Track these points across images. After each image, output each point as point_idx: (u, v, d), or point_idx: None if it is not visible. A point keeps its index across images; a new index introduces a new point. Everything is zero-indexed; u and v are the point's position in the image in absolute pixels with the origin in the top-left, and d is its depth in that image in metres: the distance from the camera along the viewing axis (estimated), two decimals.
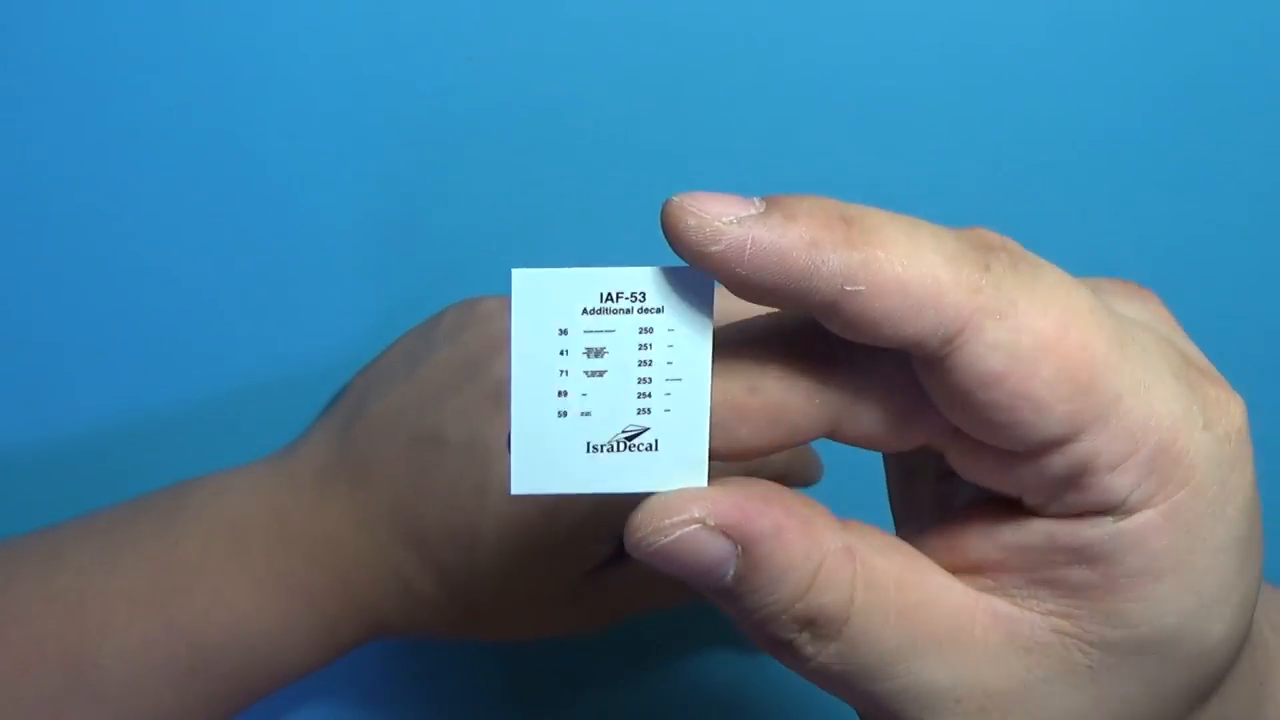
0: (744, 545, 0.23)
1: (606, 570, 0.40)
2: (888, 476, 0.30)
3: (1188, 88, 0.44)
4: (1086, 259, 0.43)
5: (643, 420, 0.23)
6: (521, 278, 0.22)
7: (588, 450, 0.23)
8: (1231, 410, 0.23)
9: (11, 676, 0.36)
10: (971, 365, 0.22)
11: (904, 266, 0.21)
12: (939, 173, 0.44)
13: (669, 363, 0.23)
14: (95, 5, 0.40)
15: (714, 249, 0.21)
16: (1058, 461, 0.22)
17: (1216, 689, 0.25)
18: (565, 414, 0.23)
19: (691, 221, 0.21)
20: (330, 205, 0.42)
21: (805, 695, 0.44)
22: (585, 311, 0.22)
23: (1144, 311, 0.25)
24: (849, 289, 0.21)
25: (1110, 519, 0.23)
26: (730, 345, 0.24)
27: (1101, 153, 0.44)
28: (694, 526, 0.22)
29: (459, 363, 0.38)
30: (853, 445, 0.25)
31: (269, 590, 0.37)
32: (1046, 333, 0.22)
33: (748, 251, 0.21)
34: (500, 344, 0.38)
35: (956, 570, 0.24)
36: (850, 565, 0.23)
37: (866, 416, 0.24)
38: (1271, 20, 0.44)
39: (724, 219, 0.21)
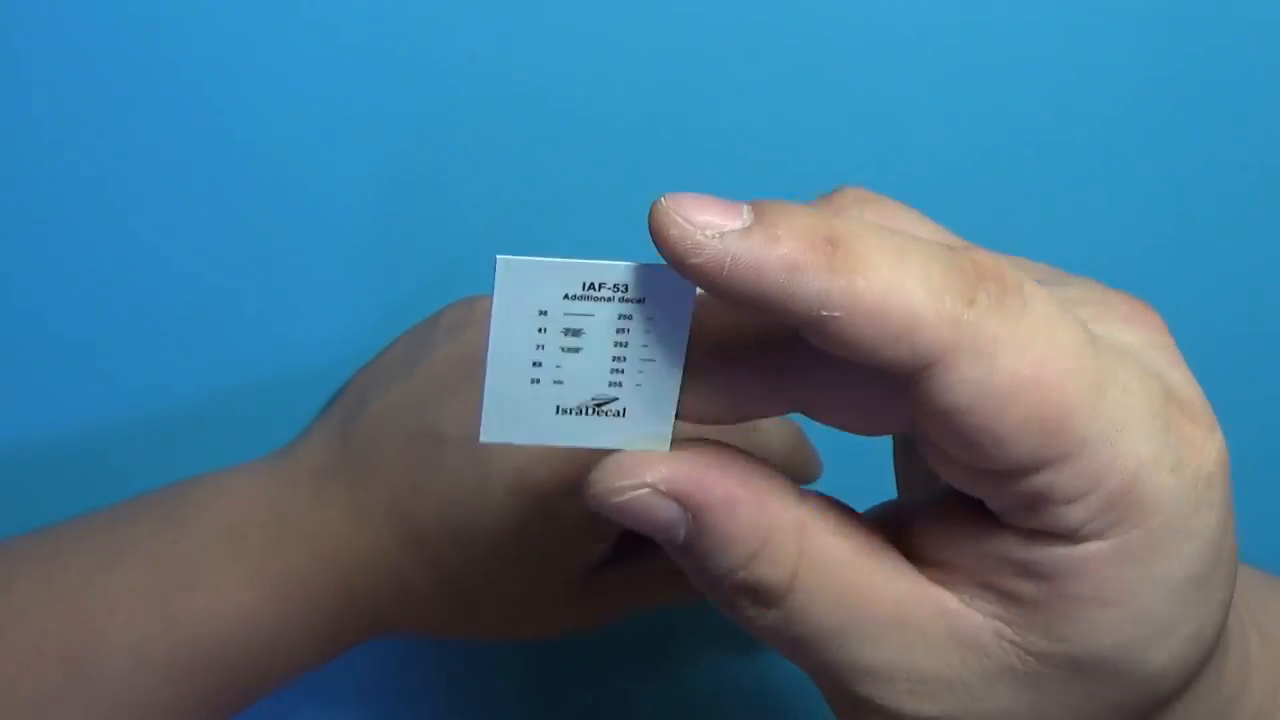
0: (693, 513, 0.23)
1: (606, 570, 0.40)
2: (894, 446, 0.30)
3: (1186, 86, 0.44)
4: (1084, 257, 0.44)
5: (613, 391, 0.24)
6: (505, 265, 0.22)
7: (557, 411, 0.24)
8: (1206, 451, 0.23)
9: (11, 676, 0.36)
10: (940, 395, 0.22)
11: (884, 296, 0.21)
12: (938, 169, 0.44)
13: (644, 345, 0.23)
14: (95, 2, 0.40)
15: (693, 260, 0.21)
16: (1016, 486, 0.23)
17: (1171, 705, 0.25)
18: (538, 381, 0.23)
19: (673, 232, 0.21)
20: (331, 205, 0.42)
21: (805, 696, 0.44)
22: (567, 297, 0.23)
23: (1140, 336, 0.24)
24: (825, 314, 0.21)
25: (1062, 543, 0.23)
26: (708, 315, 0.24)
27: (1100, 151, 0.44)
28: (645, 490, 0.23)
29: (458, 360, 0.38)
30: (826, 426, 0.25)
31: (268, 588, 0.38)
32: (1022, 374, 0.21)
33: (726, 268, 0.21)
34: None
35: (914, 558, 0.25)
36: (796, 542, 0.24)
37: (838, 401, 0.24)
38: (1270, 20, 0.44)
39: (706, 232, 0.21)
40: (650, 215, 0.21)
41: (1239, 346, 0.46)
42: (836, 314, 0.21)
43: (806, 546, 0.24)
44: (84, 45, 0.40)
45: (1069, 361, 0.22)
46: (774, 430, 0.38)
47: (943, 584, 0.24)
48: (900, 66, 0.43)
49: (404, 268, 0.43)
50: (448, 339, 0.39)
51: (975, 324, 0.21)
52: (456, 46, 0.42)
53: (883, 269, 0.21)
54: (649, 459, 0.23)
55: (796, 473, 0.40)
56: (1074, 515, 0.22)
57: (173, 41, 0.41)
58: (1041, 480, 0.22)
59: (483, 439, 0.24)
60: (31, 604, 0.37)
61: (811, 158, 0.43)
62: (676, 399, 0.24)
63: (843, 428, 0.25)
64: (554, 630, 0.41)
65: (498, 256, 0.22)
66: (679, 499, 0.23)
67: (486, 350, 0.23)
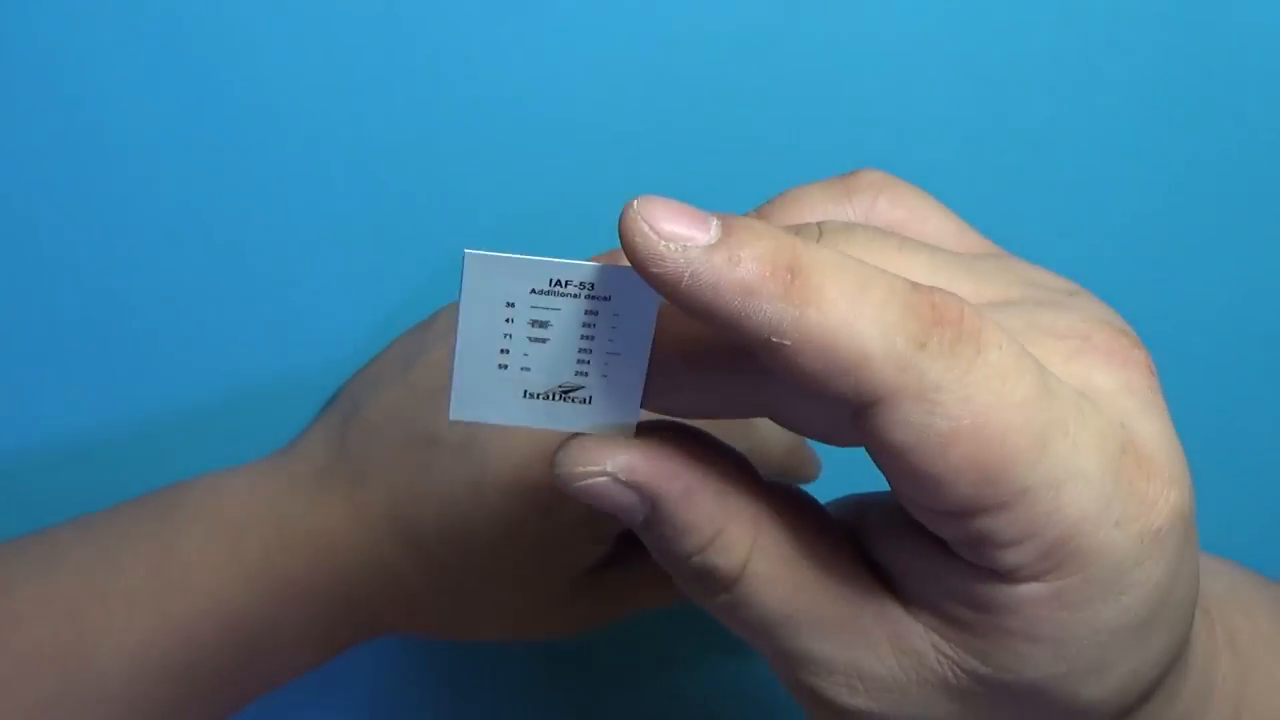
0: (652, 502, 0.24)
1: (604, 571, 0.40)
2: None
3: (1187, 86, 0.44)
4: (1083, 257, 0.43)
5: (579, 380, 0.24)
6: (473, 260, 0.23)
7: (524, 396, 0.24)
8: (1158, 506, 0.23)
9: (10, 678, 0.36)
10: (880, 433, 0.22)
11: (834, 331, 0.21)
12: (939, 169, 0.44)
13: (610, 340, 0.24)
14: (93, 3, 0.40)
15: (653, 269, 0.21)
16: (957, 525, 0.23)
17: None
18: (506, 367, 0.24)
19: (638, 239, 0.21)
20: (329, 206, 0.42)
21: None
22: (534, 291, 0.23)
23: (1117, 380, 0.24)
24: (775, 340, 0.21)
25: (1001, 581, 0.23)
26: (676, 316, 0.24)
27: (1100, 150, 0.44)
28: (605, 478, 0.24)
29: None
30: (792, 431, 0.25)
31: (265, 588, 0.38)
32: (962, 422, 0.21)
33: (684, 282, 0.21)
34: None
35: (869, 558, 0.25)
36: (749, 537, 0.24)
37: (806, 411, 0.24)
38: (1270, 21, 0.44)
39: (669, 244, 0.21)
40: (620, 217, 0.21)
41: (1239, 346, 0.45)
42: (786, 342, 0.21)
43: (760, 539, 0.24)
44: (82, 44, 0.40)
45: (1013, 414, 0.22)
46: (772, 431, 0.38)
47: (890, 590, 0.25)
48: (899, 67, 0.43)
49: (402, 271, 0.43)
50: (441, 341, 0.39)
51: (922, 369, 0.21)
52: (456, 47, 0.42)
53: (838, 303, 0.21)
54: (611, 445, 0.24)
55: (794, 473, 0.40)
56: (1012, 558, 0.23)
57: (171, 43, 0.41)
58: (981, 523, 0.22)
59: (452, 417, 0.24)
60: (30, 606, 0.37)
61: (811, 156, 0.43)
62: (641, 391, 0.24)
63: (811, 437, 0.25)
64: (555, 631, 0.41)
65: (465, 250, 0.23)
66: (637, 488, 0.24)
67: (455, 338, 0.24)
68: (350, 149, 0.42)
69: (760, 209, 0.28)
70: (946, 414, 0.21)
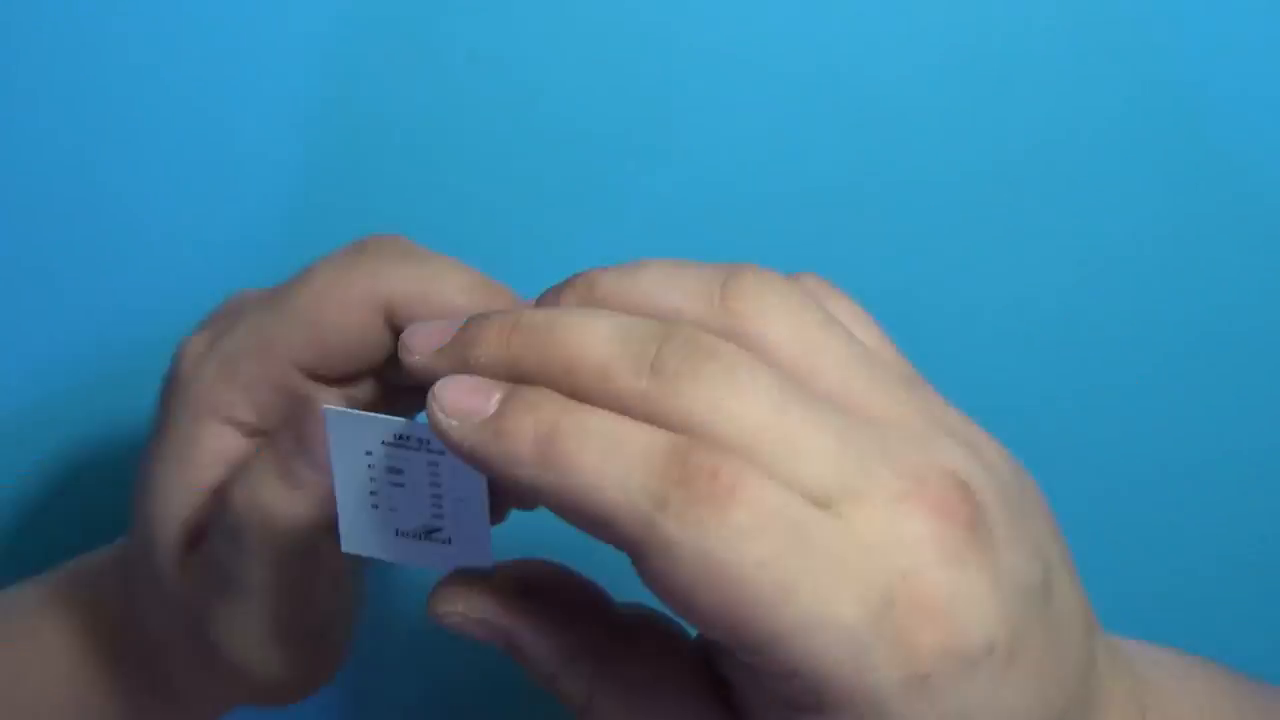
0: (502, 636, 0.28)
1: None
2: None
3: (1185, 91, 0.43)
4: (1082, 260, 0.42)
5: (438, 522, 0.28)
6: (333, 416, 0.27)
7: (397, 534, 0.28)
8: (921, 653, 0.24)
9: None
10: (643, 577, 0.24)
11: (583, 494, 0.24)
12: (934, 173, 0.43)
13: (455, 486, 0.27)
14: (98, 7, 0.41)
15: (445, 441, 0.25)
16: (730, 659, 0.26)
17: None
18: (377, 507, 0.28)
19: (431, 417, 0.25)
20: (327, 206, 0.43)
21: None
22: (385, 443, 0.27)
23: (925, 531, 0.24)
24: (541, 498, 0.24)
25: (791, 711, 0.25)
26: None
27: (1097, 157, 0.43)
28: (461, 616, 0.28)
29: None
30: None
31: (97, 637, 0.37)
32: (698, 577, 0.23)
33: (465, 449, 0.25)
34: None
35: (719, 673, 0.27)
36: (591, 666, 0.28)
37: None
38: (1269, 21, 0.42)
39: (453, 420, 0.25)
40: (428, 394, 0.25)
41: (1238, 348, 0.45)
42: (549, 502, 0.24)
43: (600, 670, 0.27)
44: (76, 41, 0.41)
45: (752, 571, 0.23)
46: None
47: (728, 706, 0.27)
48: (896, 71, 0.42)
49: None
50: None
51: (662, 526, 0.23)
52: (453, 46, 0.42)
53: (586, 470, 0.24)
54: (468, 591, 0.28)
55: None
56: (786, 690, 0.24)
57: (168, 41, 0.41)
58: (746, 663, 0.24)
59: (344, 549, 0.28)
60: None
61: (811, 162, 0.43)
62: (489, 534, 0.28)
63: None
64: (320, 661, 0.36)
65: (324, 408, 0.27)
66: (488, 628, 0.28)
67: (333, 482, 0.28)
68: (345, 150, 0.42)
69: None
70: (686, 569, 0.23)
